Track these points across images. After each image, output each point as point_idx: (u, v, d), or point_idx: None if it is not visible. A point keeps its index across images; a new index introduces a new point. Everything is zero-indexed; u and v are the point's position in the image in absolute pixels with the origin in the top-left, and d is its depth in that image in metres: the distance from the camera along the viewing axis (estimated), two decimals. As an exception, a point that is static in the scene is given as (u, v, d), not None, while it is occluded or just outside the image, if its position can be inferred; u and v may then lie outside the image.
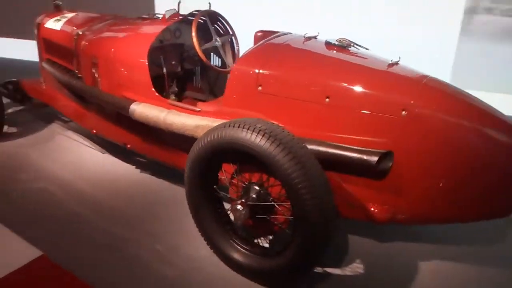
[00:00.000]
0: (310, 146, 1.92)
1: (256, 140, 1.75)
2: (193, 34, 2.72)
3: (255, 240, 2.11)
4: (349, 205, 2.07)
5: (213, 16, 3.01)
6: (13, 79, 3.75)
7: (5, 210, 2.59)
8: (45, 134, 3.69)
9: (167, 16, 2.76)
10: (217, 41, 2.91)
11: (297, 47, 2.22)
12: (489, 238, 2.45)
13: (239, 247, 2.06)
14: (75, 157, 3.29)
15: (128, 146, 2.83)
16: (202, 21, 2.96)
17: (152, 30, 2.67)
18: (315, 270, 2.13)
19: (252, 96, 2.13)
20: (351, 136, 1.96)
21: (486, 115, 1.89)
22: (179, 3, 2.90)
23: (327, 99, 1.97)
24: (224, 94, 2.23)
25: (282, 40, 2.27)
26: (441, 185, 1.90)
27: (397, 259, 2.26)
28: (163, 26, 2.69)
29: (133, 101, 2.49)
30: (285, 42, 2.25)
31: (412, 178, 1.93)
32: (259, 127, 1.77)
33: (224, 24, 3.08)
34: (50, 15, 3.49)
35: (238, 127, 1.81)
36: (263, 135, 1.74)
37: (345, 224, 2.40)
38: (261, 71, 2.10)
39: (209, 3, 3.08)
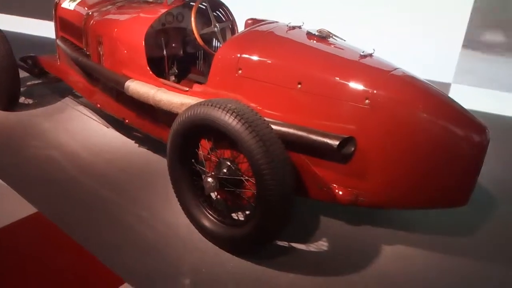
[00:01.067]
0: (278, 128, 2.07)
1: (225, 117, 1.91)
2: (192, 18, 2.89)
3: (228, 212, 2.29)
4: (317, 186, 2.21)
5: (215, 3, 3.17)
6: (32, 54, 4.03)
7: (11, 172, 2.85)
8: (59, 106, 3.96)
9: (168, 2, 2.93)
10: (216, 27, 3.07)
11: (279, 35, 2.36)
12: (455, 227, 2.54)
13: (209, 216, 2.24)
14: (83, 129, 3.54)
15: (126, 121, 3.05)
16: (204, 7, 3.12)
17: (151, 14, 2.84)
18: (280, 244, 2.30)
19: (232, 79, 2.29)
20: (320, 121, 2.09)
21: (447, 109, 1.99)
22: (182, -11, 3.08)
23: (299, 85, 2.11)
24: (208, 76, 2.39)
25: (266, 28, 2.41)
26: (401, 172, 2.03)
27: (362, 241, 2.39)
28: (163, 10, 2.87)
29: (129, 78, 2.69)
30: (268, 30, 2.39)
31: (374, 164, 2.06)
32: (229, 107, 1.93)
33: (225, 11, 3.23)
34: (67, -4, 3.73)
35: (211, 105, 1.98)
36: (231, 114, 1.90)
37: (315, 205, 2.54)
38: (241, 55, 2.25)
39: (214, -10, 3.23)
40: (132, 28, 2.82)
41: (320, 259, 2.25)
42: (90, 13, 3.19)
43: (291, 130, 2.08)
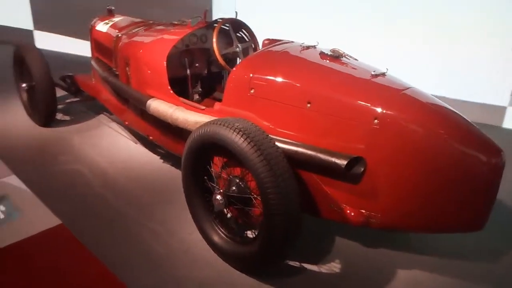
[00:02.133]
0: (287, 147, 2.08)
1: (232, 136, 1.95)
2: (214, 39, 2.97)
3: (238, 230, 2.30)
4: (328, 206, 2.18)
5: (238, 25, 3.25)
6: (70, 74, 4.26)
7: (41, 183, 3.01)
8: (92, 123, 4.15)
9: (192, 24, 3.04)
10: (238, 47, 3.14)
11: (291, 55, 2.39)
12: (475, 252, 2.43)
13: (220, 233, 2.26)
14: (111, 145, 3.69)
15: (150, 137, 3.15)
16: (227, 28, 3.21)
17: (174, 36, 2.96)
18: (292, 263, 2.28)
19: (245, 98, 2.33)
20: (330, 141, 2.08)
21: (461, 129, 1.93)
22: (205, 11, 3.19)
23: (308, 105, 2.12)
24: (223, 95, 2.45)
25: (280, 48, 2.45)
26: (413, 194, 1.97)
27: (376, 264, 2.33)
28: (186, 32, 2.98)
29: (151, 97, 2.80)
30: (282, 50, 2.42)
31: (385, 185, 2.01)
32: (236, 125, 1.97)
33: (248, 32, 3.30)
34: (102, 18, 3.95)
35: (220, 124, 2.02)
36: (238, 132, 1.94)
37: (330, 225, 2.51)
38: (253, 75, 2.29)
39: (236, 12, 3.32)
40: (155, 50, 2.94)
41: (332, 280, 2.21)
42: (119, 35, 3.35)
43: (300, 149, 2.08)
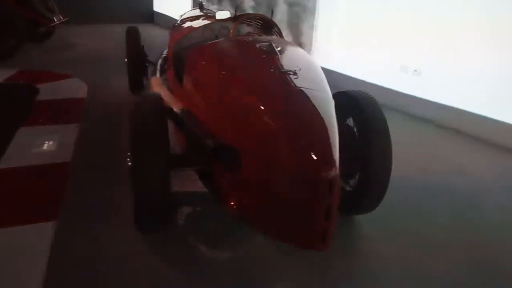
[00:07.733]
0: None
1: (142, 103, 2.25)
2: (231, 30, 3.21)
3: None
4: (225, 192, 2.24)
5: (267, 22, 3.40)
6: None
7: (92, 127, 3.81)
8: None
9: (217, 17, 3.33)
10: (257, 40, 3.29)
11: (237, 46, 2.53)
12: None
13: None
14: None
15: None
16: (259, 25, 3.41)
17: (197, 26, 3.36)
18: (192, 238, 2.41)
19: (192, 77, 2.57)
20: (223, 126, 2.17)
21: (307, 137, 1.82)
22: (236, 7, 3.43)
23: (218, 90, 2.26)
24: (184, 73, 2.70)
25: (238, 39, 2.61)
26: (259, 193, 1.98)
27: (271, 266, 2.24)
28: (207, 23, 3.34)
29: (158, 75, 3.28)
30: (236, 41, 2.57)
31: (249, 178, 2.03)
32: (147, 95, 2.27)
33: (278, 30, 3.42)
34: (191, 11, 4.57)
35: (141, 95, 2.36)
36: (137, 101, 2.22)
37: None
38: (198, 58, 2.53)
39: (272, 10, 3.47)
40: (176, 35, 3.39)
41: (222, 263, 2.26)
42: (177, 23, 3.92)
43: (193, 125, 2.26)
